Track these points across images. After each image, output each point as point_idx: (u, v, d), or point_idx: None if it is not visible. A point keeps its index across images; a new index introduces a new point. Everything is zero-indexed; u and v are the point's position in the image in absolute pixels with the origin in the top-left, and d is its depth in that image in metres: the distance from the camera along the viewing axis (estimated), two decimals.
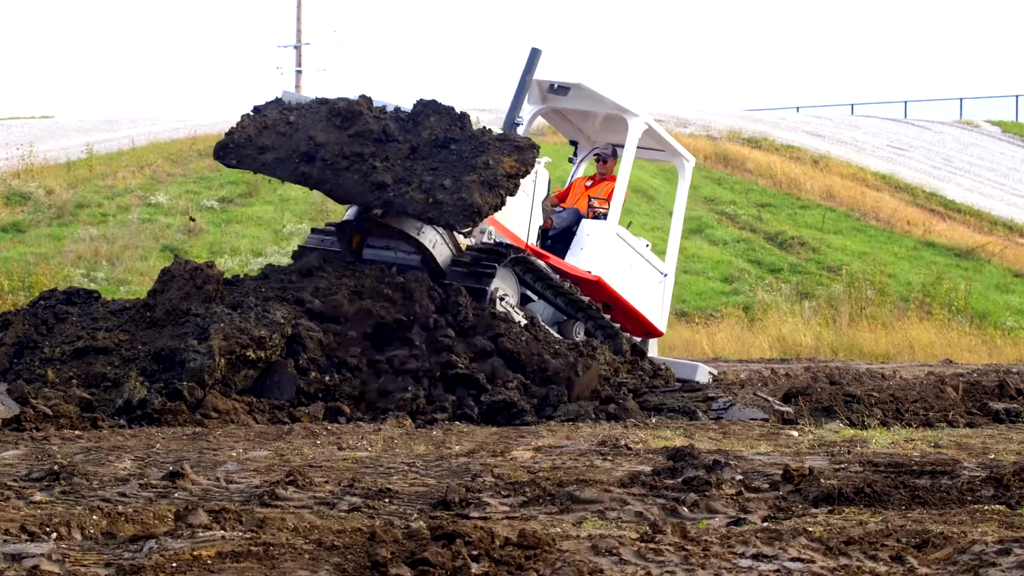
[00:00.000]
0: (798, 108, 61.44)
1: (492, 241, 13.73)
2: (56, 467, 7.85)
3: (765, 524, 6.84)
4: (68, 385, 11.74)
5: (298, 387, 12.30)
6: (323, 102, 13.10)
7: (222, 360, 11.80)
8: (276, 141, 13.04)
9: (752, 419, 12.50)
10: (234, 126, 13.28)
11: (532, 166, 12.77)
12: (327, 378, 12.41)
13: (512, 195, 12.71)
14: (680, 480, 8.00)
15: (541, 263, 14.01)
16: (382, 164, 12.58)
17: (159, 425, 11.10)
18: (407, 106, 13.46)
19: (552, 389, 12.68)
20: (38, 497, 7.09)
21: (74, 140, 38.45)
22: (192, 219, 28.61)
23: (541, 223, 14.65)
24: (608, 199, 15.26)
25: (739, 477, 8.17)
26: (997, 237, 36.78)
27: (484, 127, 12.89)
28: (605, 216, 15.08)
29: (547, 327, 14.27)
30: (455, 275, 13.37)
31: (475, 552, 5.66)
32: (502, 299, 13.48)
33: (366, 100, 13.01)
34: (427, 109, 12.91)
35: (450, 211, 12.35)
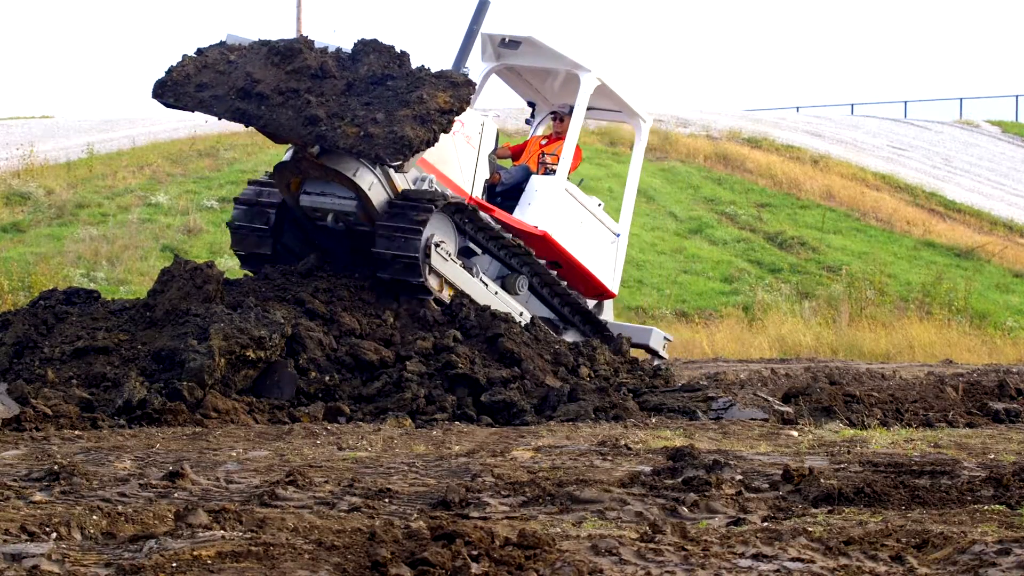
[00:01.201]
0: (798, 108, 61.43)
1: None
2: (56, 467, 7.85)
3: (765, 524, 6.84)
4: (68, 385, 11.74)
5: (298, 387, 12.31)
6: (265, 43, 12.98)
7: (222, 360, 11.80)
8: (215, 79, 12.86)
9: (752, 419, 12.49)
10: (175, 65, 13.08)
11: (467, 103, 12.53)
12: (327, 378, 12.41)
13: (446, 131, 12.43)
14: (680, 480, 8.00)
15: (482, 213, 13.80)
16: (316, 99, 12.41)
17: (159, 425, 11.10)
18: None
19: (552, 389, 12.67)
20: (38, 497, 7.09)
21: (74, 140, 38.44)
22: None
23: (488, 176, 14.34)
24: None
25: (739, 477, 8.17)
26: (997, 237, 36.77)
27: (423, 65, 12.72)
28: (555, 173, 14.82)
29: (546, 327, 14.26)
30: (389, 217, 13.12)
31: (475, 552, 5.66)
32: (437, 246, 13.19)
33: (306, 40, 12.86)
34: (367, 47, 12.69)
35: (381, 144, 12.07)
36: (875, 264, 31.08)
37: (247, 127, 13.35)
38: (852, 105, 63.35)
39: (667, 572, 5.63)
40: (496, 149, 14.79)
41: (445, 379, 12.56)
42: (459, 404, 12.36)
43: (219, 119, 13.36)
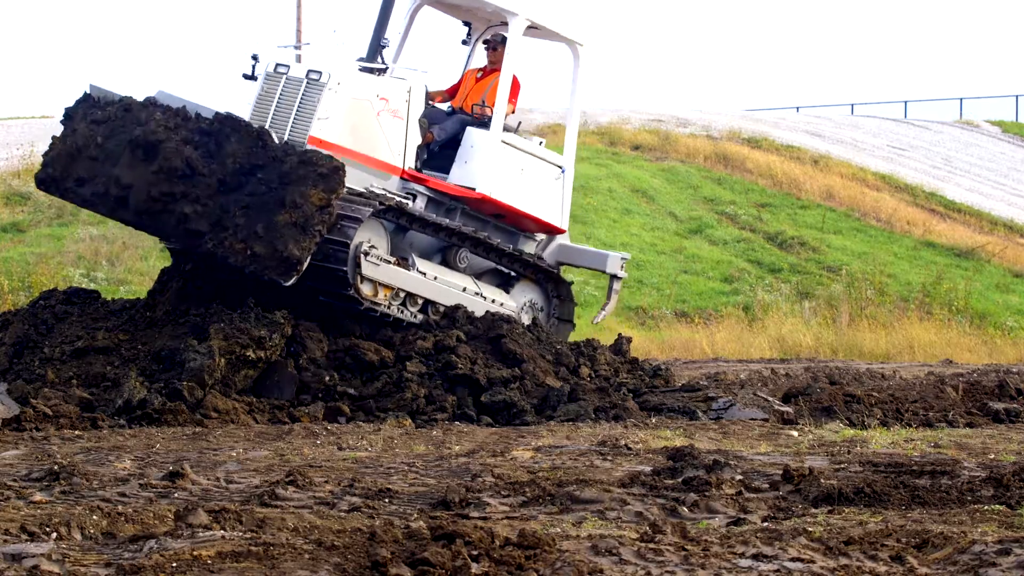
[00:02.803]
0: (798, 108, 61.38)
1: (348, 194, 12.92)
2: (56, 467, 7.85)
3: (765, 524, 6.84)
4: (68, 385, 11.75)
5: (298, 387, 12.32)
6: (126, 109, 12.55)
7: (222, 360, 11.81)
8: (91, 170, 12.54)
9: (752, 419, 12.50)
10: (49, 150, 12.82)
11: (341, 187, 12.15)
12: (327, 378, 12.42)
13: (328, 224, 12.13)
14: (680, 480, 8.00)
15: (419, 205, 13.52)
16: (193, 209, 12.11)
17: (159, 425, 11.11)
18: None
19: (552, 389, 12.68)
20: (38, 497, 7.09)
21: None
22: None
23: (420, 141, 13.95)
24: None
25: (739, 477, 8.17)
26: (997, 237, 36.76)
27: (285, 142, 12.35)
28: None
29: (547, 328, 14.26)
30: (316, 251, 12.44)
31: (475, 552, 5.66)
32: (366, 254, 12.88)
33: (166, 127, 12.34)
34: (225, 127, 12.32)
35: (270, 266, 11.91)
36: (875, 264, 31.06)
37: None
38: (852, 105, 63.32)
39: (667, 572, 5.63)
40: (428, 102, 14.30)
41: (445, 379, 12.56)
42: (459, 404, 12.36)
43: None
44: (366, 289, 12.94)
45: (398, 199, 13.23)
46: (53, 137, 12.88)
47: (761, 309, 27.04)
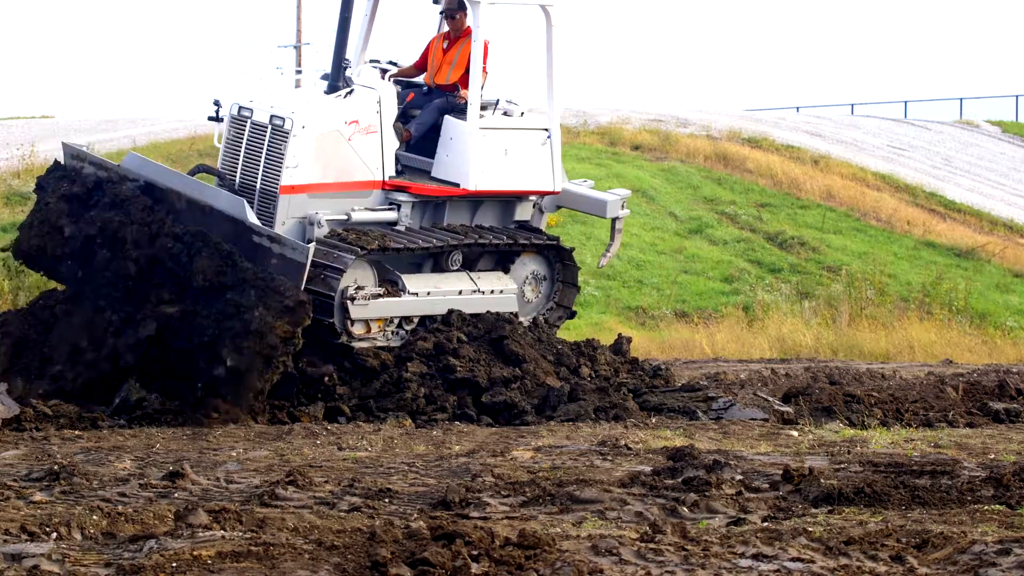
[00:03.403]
0: (798, 108, 61.30)
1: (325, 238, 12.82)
2: (56, 467, 7.85)
3: (765, 524, 6.84)
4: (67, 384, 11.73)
5: (298, 387, 12.30)
6: (97, 187, 12.61)
7: None
8: (67, 248, 12.62)
9: (752, 419, 12.49)
10: (25, 222, 13.05)
11: (305, 321, 11.96)
12: (326, 378, 12.40)
13: (291, 352, 12.02)
14: (680, 480, 7.99)
15: (392, 216, 13.30)
16: (168, 303, 12.11)
17: (159, 425, 11.10)
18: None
19: (552, 389, 12.67)
20: (38, 497, 7.09)
21: (74, 140, 38.41)
22: None
23: (397, 145, 13.71)
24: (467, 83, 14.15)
25: (739, 477, 8.17)
26: (997, 237, 36.74)
27: (247, 267, 12.12)
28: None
29: (548, 329, 14.24)
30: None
31: (475, 552, 5.66)
32: (352, 299, 12.70)
33: (131, 209, 12.31)
34: (197, 242, 12.22)
35: (244, 402, 11.75)
36: (875, 264, 31.03)
37: None
38: (852, 105, 63.25)
39: (667, 572, 5.63)
40: (401, 87, 14.08)
41: (445, 381, 12.54)
42: (459, 404, 12.35)
43: None
44: (358, 329, 12.81)
45: (379, 239, 12.97)
46: (30, 215, 13.12)
47: (761, 309, 27.02)
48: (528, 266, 14.42)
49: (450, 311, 13.29)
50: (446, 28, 14.62)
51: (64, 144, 12.83)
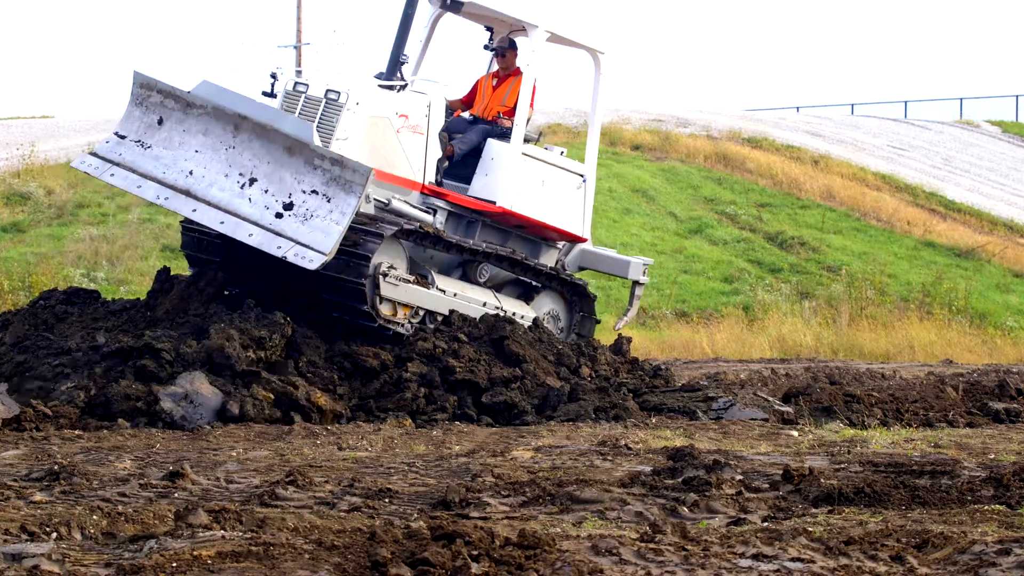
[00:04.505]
0: (798, 108, 61.40)
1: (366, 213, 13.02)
2: (56, 467, 7.85)
3: (765, 524, 6.84)
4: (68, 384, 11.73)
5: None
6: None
7: None
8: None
9: (752, 419, 12.50)
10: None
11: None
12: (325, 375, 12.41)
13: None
14: (680, 480, 8.00)
15: (428, 219, 13.47)
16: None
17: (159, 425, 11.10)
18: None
19: (552, 389, 12.67)
20: (38, 497, 7.09)
21: (74, 140, 38.42)
22: None
23: (440, 155, 13.96)
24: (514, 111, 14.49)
25: (739, 477, 8.17)
26: (997, 237, 36.77)
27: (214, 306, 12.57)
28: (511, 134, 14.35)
29: (550, 330, 14.24)
30: (336, 260, 12.39)
31: (475, 552, 5.66)
32: (385, 275, 12.91)
33: None
34: (162, 283, 12.88)
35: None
36: (875, 264, 31.07)
37: None
38: (852, 105, 63.34)
39: (667, 572, 5.63)
40: (448, 113, 14.33)
41: (445, 382, 12.55)
42: (460, 404, 12.36)
43: None
44: (385, 309, 12.97)
45: (419, 222, 13.27)
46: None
47: (761, 309, 27.04)
48: (548, 304, 14.74)
49: (451, 311, 13.39)
50: (496, 67, 15.07)
51: (135, 72, 12.81)
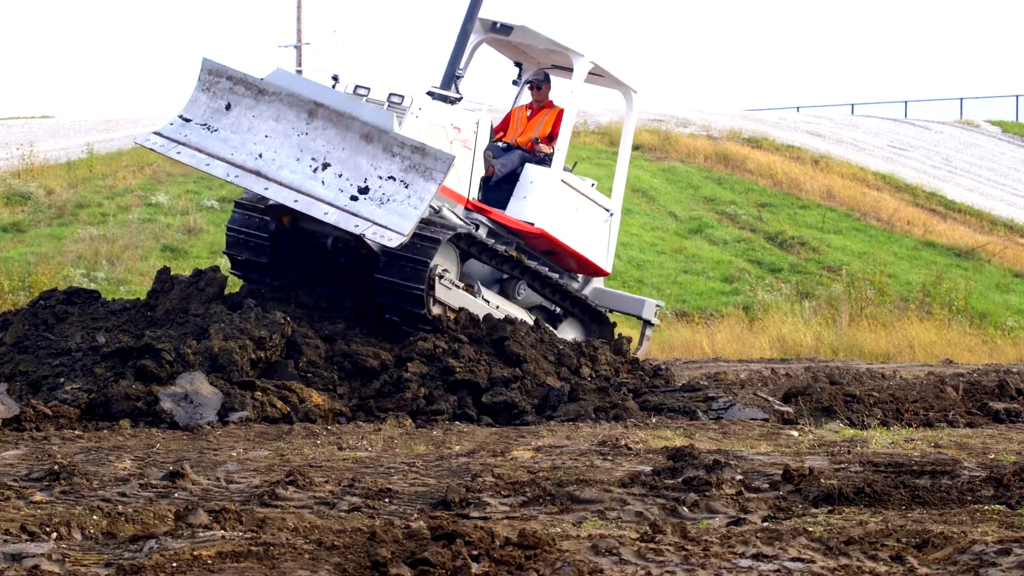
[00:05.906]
0: (798, 108, 61.44)
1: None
2: (56, 467, 7.85)
3: (765, 524, 6.84)
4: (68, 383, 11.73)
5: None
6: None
7: None
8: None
9: (752, 419, 12.49)
10: None
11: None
12: (325, 373, 12.41)
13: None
14: (680, 480, 8.00)
15: (482, 234, 13.72)
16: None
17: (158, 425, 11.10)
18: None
19: (552, 389, 12.67)
20: (38, 497, 7.09)
21: (74, 140, 38.46)
22: None
23: (484, 173, 14.22)
24: (553, 138, 14.82)
25: (739, 477, 8.17)
26: (997, 237, 36.78)
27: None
28: (550, 160, 14.69)
29: (550, 328, 14.25)
30: (393, 259, 12.85)
31: (475, 552, 5.66)
32: (441, 277, 13.14)
33: None
34: (162, 283, 12.85)
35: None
36: (875, 264, 31.07)
37: None
38: (852, 105, 63.37)
39: (667, 572, 5.63)
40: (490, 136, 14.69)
41: (445, 382, 12.55)
42: (460, 404, 12.36)
43: None
44: (436, 310, 13.18)
45: (469, 228, 13.51)
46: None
47: (761, 309, 27.05)
48: (570, 333, 15.00)
49: (460, 308, 13.51)
50: (529, 99, 15.39)
51: (204, 59, 12.79)
